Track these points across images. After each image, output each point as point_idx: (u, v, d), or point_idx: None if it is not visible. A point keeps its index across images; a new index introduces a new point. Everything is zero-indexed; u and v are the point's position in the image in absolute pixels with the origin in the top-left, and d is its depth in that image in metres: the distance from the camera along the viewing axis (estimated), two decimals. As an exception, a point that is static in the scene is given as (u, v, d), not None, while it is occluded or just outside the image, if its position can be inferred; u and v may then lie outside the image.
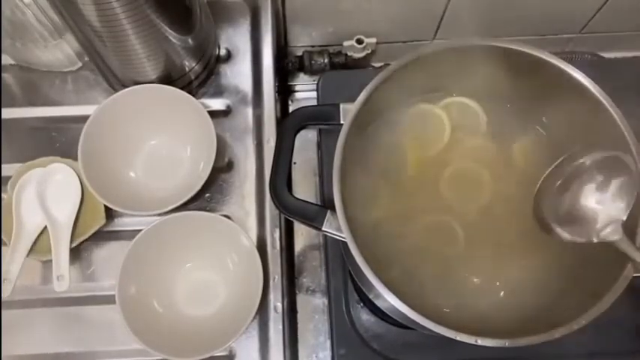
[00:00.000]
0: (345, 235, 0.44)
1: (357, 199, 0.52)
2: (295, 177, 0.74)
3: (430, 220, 0.53)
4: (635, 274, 0.43)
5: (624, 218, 0.43)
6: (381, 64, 0.84)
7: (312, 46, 0.81)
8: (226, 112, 0.68)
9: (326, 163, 0.64)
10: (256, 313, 0.56)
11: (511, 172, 0.54)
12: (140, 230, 0.58)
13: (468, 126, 0.55)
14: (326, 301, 0.65)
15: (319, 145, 0.68)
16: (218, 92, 0.68)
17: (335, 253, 0.62)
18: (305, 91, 0.82)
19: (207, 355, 0.55)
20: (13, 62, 0.68)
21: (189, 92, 0.62)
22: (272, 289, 0.61)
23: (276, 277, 0.61)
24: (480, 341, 0.42)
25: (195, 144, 0.64)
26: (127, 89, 0.61)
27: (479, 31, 0.77)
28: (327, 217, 0.47)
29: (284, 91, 0.82)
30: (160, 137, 0.65)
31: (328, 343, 0.64)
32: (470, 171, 0.54)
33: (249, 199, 0.64)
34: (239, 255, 0.60)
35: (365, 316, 0.61)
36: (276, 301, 0.60)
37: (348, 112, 0.48)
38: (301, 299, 0.68)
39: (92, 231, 0.61)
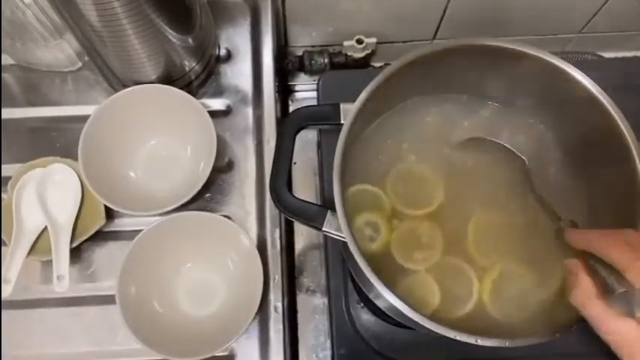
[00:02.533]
0: (345, 235, 0.44)
1: (357, 199, 0.52)
2: (295, 177, 0.73)
3: (431, 221, 0.53)
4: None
5: None
6: (381, 64, 0.84)
7: (312, 46, 0.81)
8: (226, 112, 0.68)
9: (326, 163, 0.64)
10: (256, 313, 0.56)
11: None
12: (140, 230, 0.58)
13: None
14: (326, 301, 0.65)
15: (319, 145, 0.68)
16: (218, 92, 0.68)
17: (335, 253, 0.62)
18: (305, 91, 0.82)
19: (207, 355, 0.55)
20: (13, 62, 0.68)
21: (190, 92, 0.62)
22: (272, 289, 0.61)
23: (276, 277, 0.61)
24: (480, 341, 0.41)
25: (195, 144, 0.64)
26: (127, 89, 0.61)
27: (479, 31, 0.78)
28: (327, 217, 0.47)
29: (284, 91, 0.82)
30: (160, 137, 0.65)
31: (328, 343, 0.64)
32: (475, 175, 0.54)
33: (249, 199, 0.64)
34: (239, 255, 0.60)
35: (365, 316, 0.61)
36: (276, 301, 0.60)
37: (348, 112, 0.48)
38: (301, 299, 0.68)
39: (92, 231, 0.61)
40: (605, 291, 0.39)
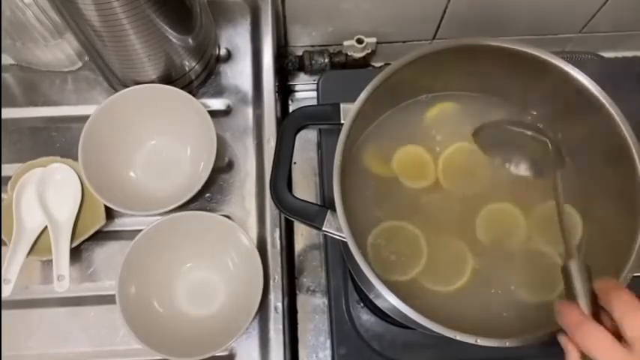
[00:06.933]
0: (345, 235, 0.44)
1: (357, 199, 0.52)
2: (295, 177, 0.73)
3: (431, 220, 0.53)
4: (634, 274, 0.43)
5: None
6: (381, 64, 0.84)
7: (312, 46, 0.81)
8: (226, 112, 0.68)
9: (326, 163, 0.64)
10: (256, 313, 0.56)
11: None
12: (140, 230, 0.58)
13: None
14: (326, 301, 0.65)
15: (319, 145, 0.68)
16: (218, 92, 0.68)
17: (335, 253, 0.62)
18: (305, 91, 0.82)
19: (208, 355, 0.55)
20: (13, 62, 0.68)
21: (190, 92, 0.62)
22: (272, 289, 0.61)
23: (276, 277, 0.61)
24: (480, 341, 0.42)
25: (195, 144, 0.64)
26: (127, 89, 0.61)
27: (479, 31, 0.78)
28: (327, 217, 0.47)
29: (284, 91, 0.82)
30: (160, 137, 0.65)
31: (328, 343, 0.64)
32: (472, 169, 0.54)
33: (249, 199, 0.64)
34: (239, 255, 0.60)
35: (365, 316, 0.61)
36: (276, 301, 0.60)
37: (348, 112, 0.48)
38: (301, 299, 0.68)
39: (92, 231, 0.61)
40: None
